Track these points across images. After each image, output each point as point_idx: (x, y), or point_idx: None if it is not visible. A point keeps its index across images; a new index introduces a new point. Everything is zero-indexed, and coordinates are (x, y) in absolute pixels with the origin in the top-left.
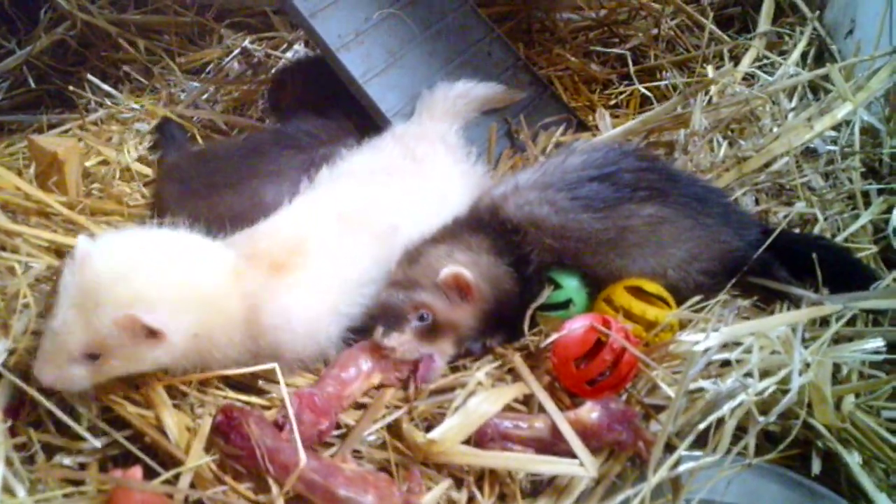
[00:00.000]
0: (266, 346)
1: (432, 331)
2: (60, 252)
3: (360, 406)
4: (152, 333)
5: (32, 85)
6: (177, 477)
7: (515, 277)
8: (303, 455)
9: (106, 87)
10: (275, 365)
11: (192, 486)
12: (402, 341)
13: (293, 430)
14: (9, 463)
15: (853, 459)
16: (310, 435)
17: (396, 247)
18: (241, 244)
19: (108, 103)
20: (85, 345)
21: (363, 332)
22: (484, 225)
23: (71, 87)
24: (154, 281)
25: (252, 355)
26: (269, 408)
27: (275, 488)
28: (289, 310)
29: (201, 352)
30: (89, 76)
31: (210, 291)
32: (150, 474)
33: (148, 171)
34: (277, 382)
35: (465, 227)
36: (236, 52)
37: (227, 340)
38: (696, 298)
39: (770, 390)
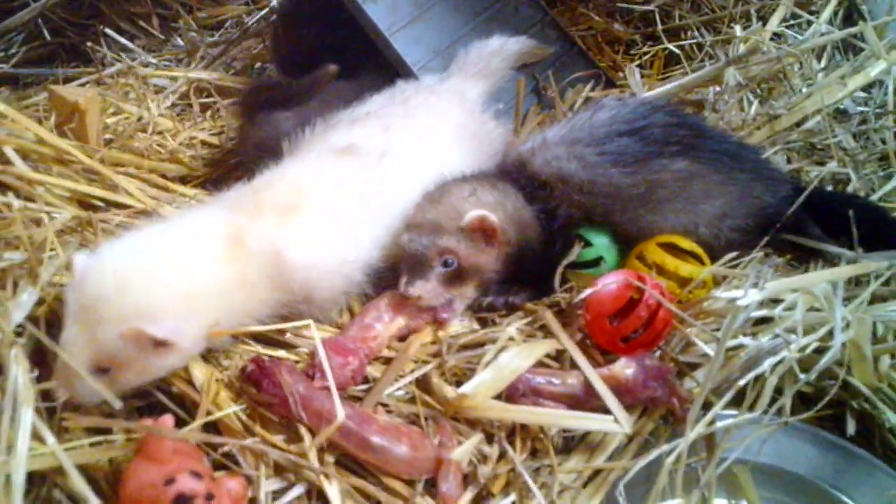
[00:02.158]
0: (298, 290)
1: (457, 276)
2: (83, 202)
3: (387, 362)
4: (161, 343)
5: (48, 38)
6: (206, 426)
7: (542, 226)
8: (339, 402)
9: (123, 40)
10: (310, 322)
11: (220, 434)
12: (427, 289)
13: (326, 374)
14: (37, 412)
15: (893, 416)
16: (342, 380)
17: (390, 176)
18: (242, 200)
19: (125, 58)
20: (93, 361)
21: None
22: (512, 179)
23: (88, 42)
24: (155, 290)
25: (283, 305)
26: (297, 362)
27: (307, 437)
28: (312, 247)
29: (233, 324)
30: (105, 30)
31: (216, 279)
32: (178, 425)
33: (169, 124)
34: (303, 336)
35: (490, 174)
36: (264, 11)
37: (255, 305)
38: (732, 255)
39: (812, 347)
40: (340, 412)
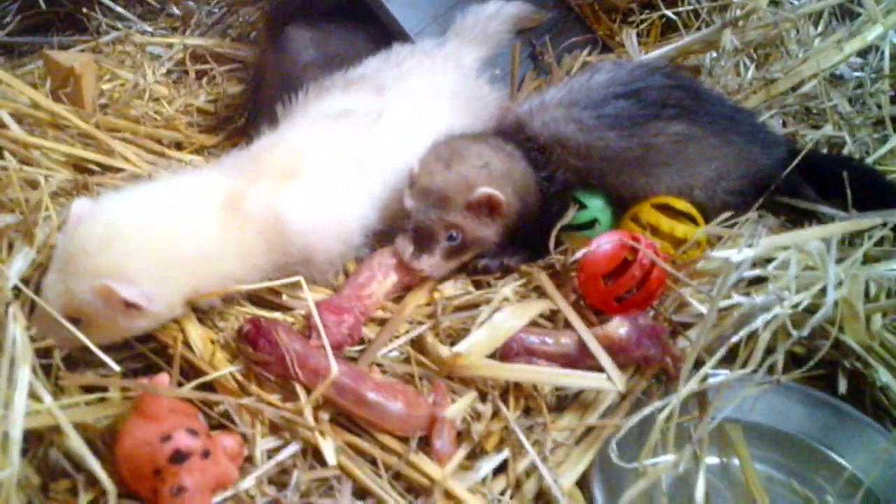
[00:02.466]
0: (297, 254)
1: (460, 249)
2: (78, 166)
3: (383, 323)
4: (131, 305)
5: (43, 7)
6: (202, 386)
7: (541, 192)
8: (332, 357)
9: (118, 8)
10: (300, 279)
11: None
12: (432, 263)
13: (321, 335)
14: (33, 371)
15: (887, 374)
16: (338, 338)
17: (385, 139)
18: (240, 165)
19: (120, 26)
20: (64, 309)
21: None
22: (510, 139)
23: (83, 10)
24: (137, 251)
25: (278, 268)
26: (293, 324)
27: (303, 396)
28: (312, 211)
29: (224, 286)
30: None
31: (207, 245)
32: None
33: (164, 91)
34: (299, 298)
35: (491, 135)
36: None
37: (247, 270)
38: (726, 215)
39: (804, 304)
40: (334, 366)
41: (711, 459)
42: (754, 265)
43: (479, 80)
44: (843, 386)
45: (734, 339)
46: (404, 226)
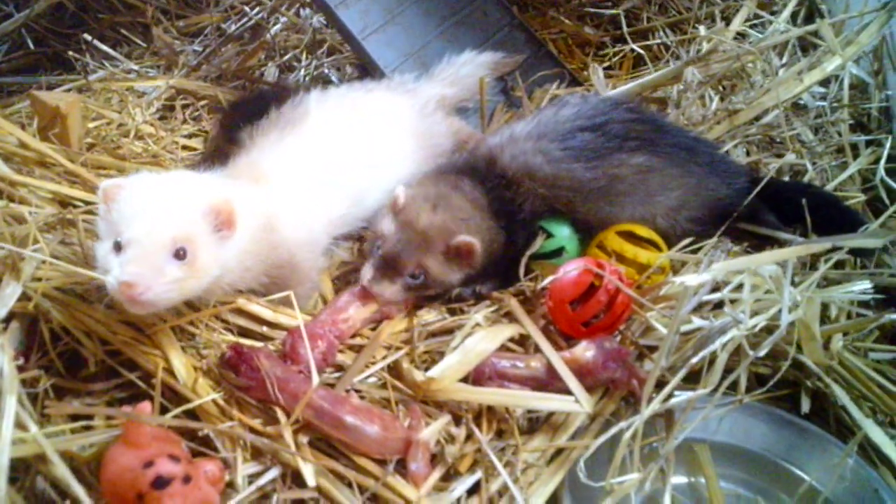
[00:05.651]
0: (285, 253)
1: (421, 286)
2: (64, 203)
3: (360, 349)
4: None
5: (31, 47)
6: (186, 413)
7: (507, 234)
8: (315, 375)
9: (105, 47)
10: (290, 292)
11: (199, 421)
12: (389, 291)
13: (307, 352)
14: (20, 401)
15: (842, 393)
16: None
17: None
18: (243, 171)
19: (107, 66)
20: (173, 241)
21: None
22: (481, 176)
23: (70, 51)
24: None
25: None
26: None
27: (283, 418)
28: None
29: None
30: (86, 36)
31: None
32: (160, 413)
33: (150, 129)
34: (280, 327)
35: (467, 178)
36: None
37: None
38: (688, 241)
39: (760, 326)
40: (316, 378)
41: (679, 479)
42: (715, 289)
43: (436, 115)
44: (805, 405)
45: (694, 360)
46: (371, 249)
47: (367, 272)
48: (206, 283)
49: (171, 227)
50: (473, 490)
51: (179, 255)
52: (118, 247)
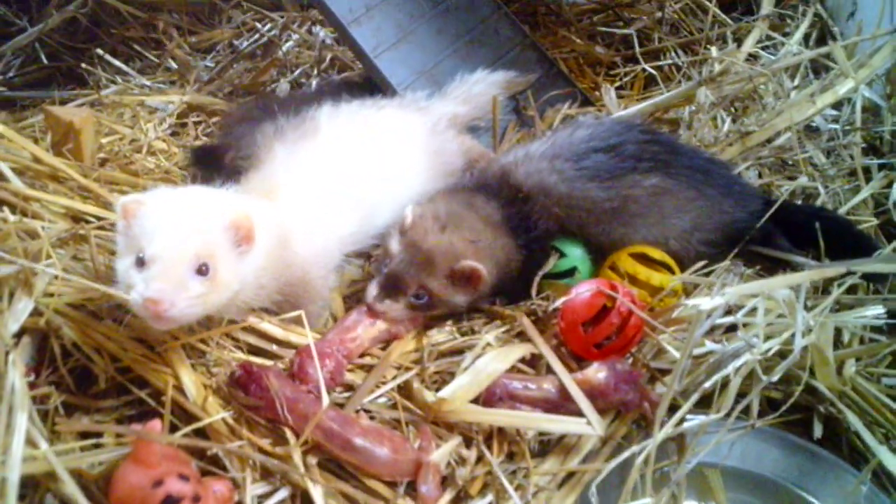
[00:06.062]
0: (298, 270)
1: (425, 306)
2: (77, 219)
3: (370, 369)
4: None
5: (45, 62)
6: (196, 432)
7: (521, 253)
8: (325, 396)
9: (118, 62)
10: (301, 312)
11: (209, 439)
12: (392, 309)
13: (316, 372)
14: (30, 418)
15: (855, 419)
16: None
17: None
18: (255, 186)
19: (119, 80)
20: (196, 256)
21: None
22: (493, 194)
23: (83, 65)
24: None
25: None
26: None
27: (292, 438)
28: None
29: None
30: (99, 51)
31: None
32: (170, 431)
33: (163, 145)
34: (290, 345)
35: (481, 194)
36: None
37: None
38: (701, 264)
39: (774, 350)
40: (326, 398)
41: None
42: (728, 313)
43: (447, 133)
44: (818, 430)
45: (707, 384)
46: (379, 267)
47: (371, 290)
48: (226, 298)
49: (194, 243)
50: None
51: (202, 270)
52: (140, 262)
